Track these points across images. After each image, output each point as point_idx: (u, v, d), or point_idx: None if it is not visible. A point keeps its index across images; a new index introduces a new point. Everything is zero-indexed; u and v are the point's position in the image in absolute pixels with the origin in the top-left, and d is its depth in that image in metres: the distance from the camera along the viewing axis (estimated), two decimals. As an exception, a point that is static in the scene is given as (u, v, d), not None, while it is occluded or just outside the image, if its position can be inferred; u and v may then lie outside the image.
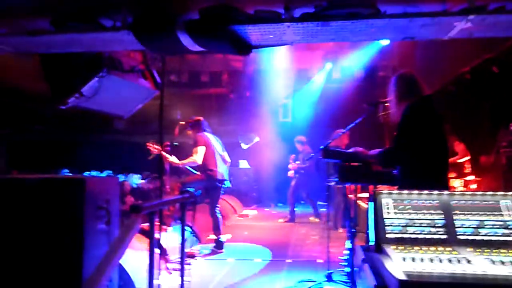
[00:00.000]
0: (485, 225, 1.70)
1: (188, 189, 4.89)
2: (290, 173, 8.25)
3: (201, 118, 5.12)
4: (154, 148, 4.75)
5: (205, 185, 5.38)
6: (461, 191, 1.89)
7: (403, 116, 2.89)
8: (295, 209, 8.18)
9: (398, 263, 1.42)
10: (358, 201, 4.23)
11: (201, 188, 5.50)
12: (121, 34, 2.51)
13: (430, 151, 2.86)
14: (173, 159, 5.00)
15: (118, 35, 2.52)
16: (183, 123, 5.00)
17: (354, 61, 10.43)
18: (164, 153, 4.86)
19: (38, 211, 2.70)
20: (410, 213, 1.78)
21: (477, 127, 6.43)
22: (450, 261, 1.44)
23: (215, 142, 5.41)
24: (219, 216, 5.38)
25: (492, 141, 5.75)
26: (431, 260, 1.45)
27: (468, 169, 6.25)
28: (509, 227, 1.68)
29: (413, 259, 1.46)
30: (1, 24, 2.71)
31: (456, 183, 6.21)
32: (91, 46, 2.72)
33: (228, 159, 5.60)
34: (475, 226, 1.70)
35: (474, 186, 6.13)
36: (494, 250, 1.58)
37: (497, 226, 1.69)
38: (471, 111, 6.61)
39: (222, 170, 5.34)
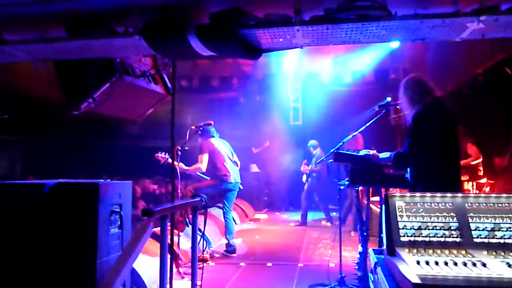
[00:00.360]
0: (501, 227, 1.67)
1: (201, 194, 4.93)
2: (304, 177, 8.25)
3: (211, 122, 5.14)
4: (160, 157, 4.83)
5: (218, 190, 5.41)
6: (475, 193, 1.87)
7: (413, 119, 2.88)
8: (307, 213, 8.16)
9: (412, 266, 1.41)
10: (370, 205, 4.19)
11: (214, 193, 5.52)
12: (133, 40, 2.55)
13: (441, 154, 2.84)
14: (180, 165, 5.00)
15: (130, 40, 2.56)
16: (194, 127, 5.03)
17: (365, 64, 10.39)
18: (170, 160, 4.90)
19: (52, 216, 2.74)
20: (423, 216, 1.76)
21: (492, 129, 6.33)
22: (465, 264, 1.42)
23: (223, 147, 5.43)
24: (232, 220, 5.40)
25: (506, 143, 5.66)
26: (446, 264, 1.43)
27: (481, 172, 6.16)
28: (525, 229, 1.64)
29: (427, 263, 1.44)
30: (18, 31, 2.78)
31: (469, 186, 6.13)
32: (104, 52, 2.77)
33: (238, 161, 5.63)
34: (490, 229, 1.67)
35: (487, 189, 6.04)
36: (510, 253, 1.55)
37: (513, 229, 1.66)
38: (485, 113, 6.52)
39: (234, 173, 5.37)
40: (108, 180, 3.09)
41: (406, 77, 3.07)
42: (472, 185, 6.18)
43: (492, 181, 6.16)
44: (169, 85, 3.55)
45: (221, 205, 5.63)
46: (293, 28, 2.35)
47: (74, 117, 3.93)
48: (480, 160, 6.05)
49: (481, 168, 6.12)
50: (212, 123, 5.17)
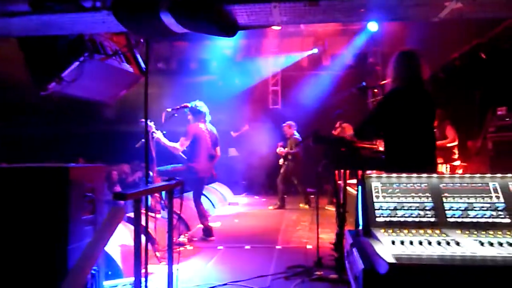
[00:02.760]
0: (474, 207, 1.68)
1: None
2: (280, 161, 8.26)
3: (188, 104, 5.04)
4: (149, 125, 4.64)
5: (185, 177, 5.31)
6: (450, 174, 1.88)
7: (384, 95, 2.90)
8: (284, 196, 8.20)
9: (387, 246, 1.40)
10: (347, 187, 4.21)
11: (183, 178, 5.43)
12: (101, 15, 2.42)
13: (415, 136, 2.86)
14: (159, 135, 4.90)
15: (98, 16, 2.42)
16: (169, 110, 4.92)
17: (344, 48, 10.39)
18: (153, 128, 4.77)
19: (21, 201, 2.63)
20: (399, 197, 1.76)
21: (466, 113, 6.46)
22: (439, 243, 1.42)
23: (209, 136, 5.32)
24: (202, 204, 5.33)
25: (480, 127, 5.78)
26: (421, 243, 1.43)
27: (455, 155, 6.29)
28: (497, 209, 1.66)
29: (402, 242, 1.44)
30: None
31: (443, 168, 6.26)
32: (71, 28, 2.62)
33: (218, 153, 5.54)
34: (463, 208, 1.68)
35: (460, 171, 6.18)
36: (482, 232, 1.57)
37: (486, 208, 1.68)
38: (460, 97, 6.63)
39: (204, 167, 5.25)
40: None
41: (398, 51, 3.03)
42: (446, 167, 6.32)
43: (465, 164, 6.30)
44: (142, 65, 3.43)
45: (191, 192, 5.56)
46: (270, 5, 2.27)
47: (44, 99, 3.77)
48: (456, 143, 6.17)
49: (456, 151, 6.25)
50: (189, 105, 5.06)
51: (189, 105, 5.11)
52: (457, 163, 6.29)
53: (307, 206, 7.98)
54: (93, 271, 2.72)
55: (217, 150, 5.51)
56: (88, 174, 2.95)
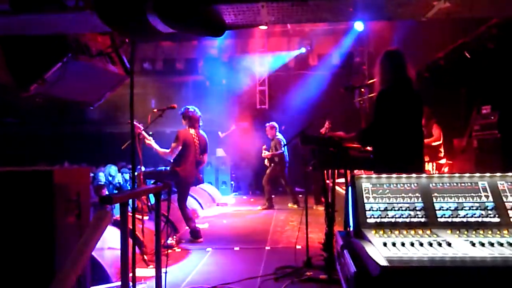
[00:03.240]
0: (464, 207, 1.69)
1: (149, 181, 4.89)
2: (266, 161, 8.27)
3: (175, 105, 4.98)
4: (138, 126, 4.61)
5: (169, 180, 5.27)
6: (439, 173, 1.88)
7: (379, 97, 2.90)
8: (272, 196, 8.19)
9: (379, 248, 1.39)
10: (336, 187, 4.23)
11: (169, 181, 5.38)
12: (84, 15, 2.35)
13: (405, 134, 2.88)
14: (152, 142, 4.91)
15: (81, 15, 2.36)
16: (156, 111, 4.86)
17: (331, 48, 10.45)
18: (144, 133, 4.76)
19: (4, 206, 2.55)
20: (389, 197, 1.75)
21: (451, 111, 6.54)
22: (431, 244, 1.41)
23: (195, 143, 5.27)
24: (186, 207, 5.29)
25: (465, 125, 5.86)
26: (412, 244, 1.42)
27: (441, 153, 6.37)
28: (486, 208, 1.67)
29: (394, 244, 1.43)
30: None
31: (429, 166, 6.33)
32: (53, 28, 2.54)
33: (205, 160, 5.50)
34: (453, 208, 1.69)
35: (445, 169, 6.26)
36: (472, 232, 1.57)
37: (475, 208, 1.68)
38: (445, 96, 6.71)
39: (190, 172, 5.21)
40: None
41: (385, 51, 3.04)
42: (432, 166, 6.39)
43: (451, 162, 6.38)
44: (128, 66, 3.37)
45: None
46: (258, 4, 2.25)
47: (28, 101, 3.67)
48: (441, 141, 6.24)
49: (442, 150, 6.33)
50: (176, 107, 5.01)
51: (175, 106, 5.05)
52: (443, 161, 6.37)
53: (295, 206, 7.99)
54: (79, 276, 2.65)
55: (204, 156, 5.48)
56: (73, 177, 2.89)
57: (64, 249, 2.69)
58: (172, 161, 5.15)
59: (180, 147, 5.09)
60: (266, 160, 8.29)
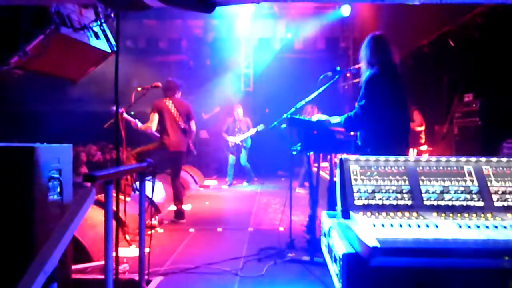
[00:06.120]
0: (449, 190, 1.71)
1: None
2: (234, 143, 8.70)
3: (159, 84, 4.89)
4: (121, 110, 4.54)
5: (160, 156, 5.23)
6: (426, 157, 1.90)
7: (367, 82, 2.90)
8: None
9: (368, 230, 1.40)
10: (319, 170, 4.25)
11: (158, 157, 5.33)
12: (69, -15, 2.24)
13: (391, 118, 2.90)
14: (136, 122, 4.98)
15: (66, -14, 2.25)
16: (140, 89, 4.76)
17: (316, 32, 10.39)
18: (126, 115, 4.71)
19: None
20: (377, 180, 1.77)
21: (433, 98, 6.64)
22: (418, 226, 1.43)
23: (176, 109, 5.19)
24: (180, 186, 5.28)
25: (447, 112, 5.97)
26: (401, 226, 1.44)
27: (422, 140, 6.50)
28: (471, 192, 1.70)
29: (383, 226, 1.44)
30: None
31: (410, 152, 6.46)
32: (35, -2, 2.43)
33: (193, 127, 5.41)
34: (439, 191, 1.71)
35: (426, 155, 6.40)
36: (458, 215, 1.60)
37: (460, 191, 1.71)
38: (428, 83, 6.80)
39: (177, 141, 5.15)
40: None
41: (370, 35, 3.03)
42: (413, 152, 6.52)
43: (431, 148, 6.52)
44: (112, 41, 3.26)
45: (169, 171, 5.48)
46: (250, -18, 2.18)
47: (6, 75, 3.53)
48: (423, 127, 6.35)
49: (422, 136, 6.45)
50: (160, 85, 4.92)
51: (159, 85, 4.96)
52: (424, 147, 6.50)
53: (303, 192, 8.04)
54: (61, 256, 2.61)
55: (191, 124, 5.39)
56: (54, 154, 2.81)
57: (45, 228, 2.64)
58: (159, 135, 5.17)
59: (156, 115, 5.09)
60: (234, 142, 8.69)
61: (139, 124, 5.03)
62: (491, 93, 4.94)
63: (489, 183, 1.72)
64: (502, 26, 4.75)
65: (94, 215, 3.84)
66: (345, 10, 9.25)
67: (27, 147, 2.53)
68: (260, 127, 8.37)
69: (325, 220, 1.96)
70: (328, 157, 4.14)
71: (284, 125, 3.70)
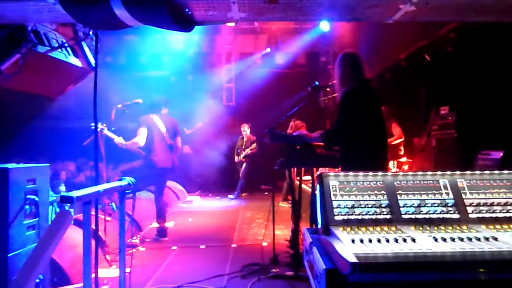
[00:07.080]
0: (426, 203, 1.74)
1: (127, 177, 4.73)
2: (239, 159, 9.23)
3: (140, 100, 4.86)
4: (101, 127, 4.48)
5: (146, 173, 5.17)
6: (404, 171, 1.94)
7: (342, 98, 2.96)
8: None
9: (348, 245, 1.41)
10: (302, 184, 4.27)
11: (144, 175, 5.27)
12: (47, 4, 2.22)
13: (369, 134, 2.95)
14: (119, 139, 4.84)
15: (44, 5, 2.23)
16: (120, 106, 4.72)
17: (297, 47, 10.55)
18: (109, 133, 4.64)
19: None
20: (356, 195, 1.78)
21: (412, 111, 6.78)
22: (396, 240, 1.45)
23: (158, 126, 5.16)
24: (163, 204, 5.21)
25: (425, 125, 6.10)
26: (379, 241, 1.45)
27: (401, 152, 6.60)
28: (447, 205, 1.74)
29: (362, 241, 1.46)
30: None
31: (390, 164, 6.55)
32: (11, 17, 2.39)
33: (179, 144, 5.38)
34: (416, 205, 1.74)
35: (406, 167, 6.50)
36: (434, 228, 1.63)
37: (436, 204, 1.74)
38: (406, 96, 6.95)
39: (164, 158, 5.11)
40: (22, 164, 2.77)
41: (341, 54, 3.11)
42: (393, 164, 6.61)
43: (411, 160, 6.63)
44: (91, 59, 3.24)
45: (152, 188, 5.41)
46: (229, 0, 2.22)
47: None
48: (402, 140, 6.46)
49: (402, 148, 6.55)
50: (141, 101, 4.89)
51: (140, 101, 4.94)
52: (403, 159, 6.60)
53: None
54: (37, 280, 2.54)
55: (177, 140, 5.35)
56: (30, 174, 2.75)
57: (19, 251, 2.56)
58: (145, 152, 5.10)
59: (145, 130, 5.02)
60: (239, 157, 9.39)
61: (122, 141, 4.90)
62: (466, 106, 5.09)
63: (463, 196, 1.76)
64: (474, 41, 4.92)
65: (73, 235, 3.75)
66: (325, 26, 9.44)
67: (1, 168, 2.47)
68: (253, 146, 9.24)
69: (307, 236, 1.96)
70: (310, 171, 4.17)
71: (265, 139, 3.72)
